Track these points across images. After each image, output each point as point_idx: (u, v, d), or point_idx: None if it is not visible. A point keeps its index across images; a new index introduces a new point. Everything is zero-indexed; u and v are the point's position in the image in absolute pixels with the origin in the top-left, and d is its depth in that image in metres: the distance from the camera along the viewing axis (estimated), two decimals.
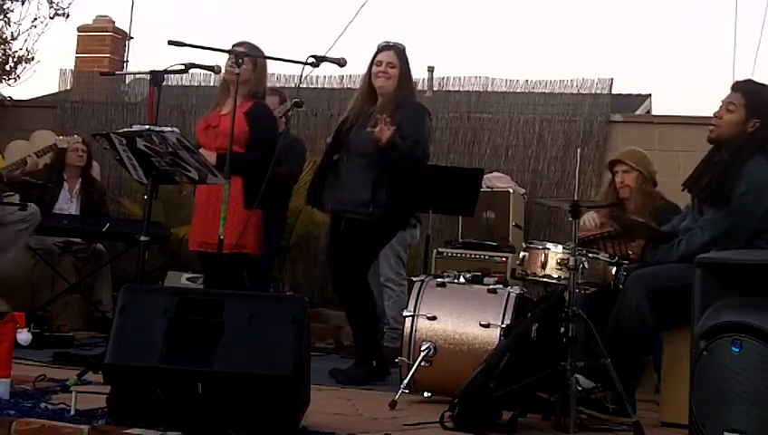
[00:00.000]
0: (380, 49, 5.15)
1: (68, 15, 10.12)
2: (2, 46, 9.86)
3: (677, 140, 7.73)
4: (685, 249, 4.17)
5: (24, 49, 9.96)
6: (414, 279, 4.70)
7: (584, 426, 3.82)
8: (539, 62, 17.35)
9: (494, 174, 7.80)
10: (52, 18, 10.03)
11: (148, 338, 3.21)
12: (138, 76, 9.00)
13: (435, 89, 8.84)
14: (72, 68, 10.55)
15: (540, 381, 3.82)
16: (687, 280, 3.56)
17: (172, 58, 10.81)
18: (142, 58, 17.34)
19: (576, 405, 3.72)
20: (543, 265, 4.32)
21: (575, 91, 8.47)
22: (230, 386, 3.16)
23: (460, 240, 7.31)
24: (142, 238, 4.20)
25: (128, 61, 11.79)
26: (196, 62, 4.93)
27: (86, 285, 6.91)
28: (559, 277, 4.26)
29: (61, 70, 10.08)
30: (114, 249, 7.18)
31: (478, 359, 3.97)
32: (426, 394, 4.40)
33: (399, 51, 5.14)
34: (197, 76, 9.06)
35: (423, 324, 4.41)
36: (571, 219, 4.04)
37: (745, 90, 4.23)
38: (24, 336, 3.71)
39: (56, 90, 10.23)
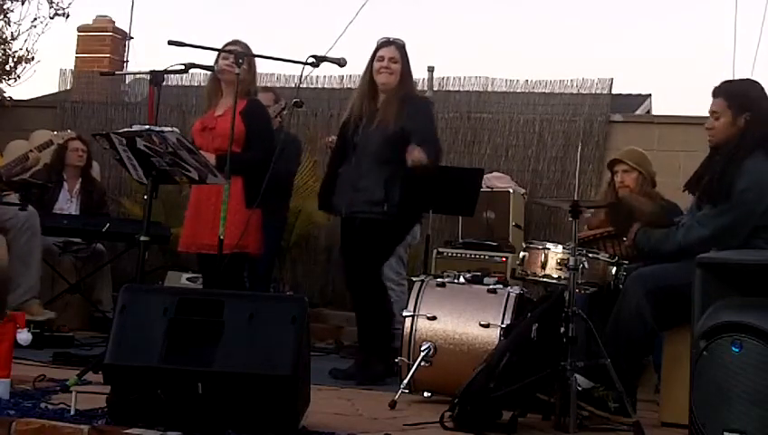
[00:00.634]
0: (381, 45, 5.14)
1: (68, 15, 10.16)
2: (2, 46, 9.87)
3: (677, 140, 7.74)
4: (682, 240, 4.16)
5: (24, 49, 10.00)
6: (414, 279, 4.69)
7: (584, 426, 3.82)
8: (539, 62, 17.38)
9: (494, 174, 7.81)
10: (52, 18, 10.06)
11: (148, 338, 3.20)
12: (138, 76, 9.00)
13: (435, 89, 8.82)
14: (72, 68, 10.56)
15: (540, 381, 3.81)
16: (687, 280, 3.56)
17: (172, 58, 10.86)
18: (142, 58, 17.38)
19: (578, 402, 3.72)
20: (543, 265, 4.33)
21: (575, 91, 8.48)
22: (230, 386, 3.15)
23: (460, 240, 7.32)
24: (142, 238, 4.20)
25: (128, 61, 11.82)
26: (196, 62, 4.95)
27: (86, 284, 6.91)
28: (559, 277, 4.27)
29: (61, 70, 10.12)
30: (114, 249, 7.19)
31: (478, 359, 3.97)
32: (426, 394, 4.40)
33: (400, 46, 5.14)
34: (197, 76, 9.03)
35: (423, 324, 4.41)
36: (570, 219, 4.04)
37: (724, 92, 4.25)
38: (23, 336, 3.71)
39: (56, 90, 10.23)
